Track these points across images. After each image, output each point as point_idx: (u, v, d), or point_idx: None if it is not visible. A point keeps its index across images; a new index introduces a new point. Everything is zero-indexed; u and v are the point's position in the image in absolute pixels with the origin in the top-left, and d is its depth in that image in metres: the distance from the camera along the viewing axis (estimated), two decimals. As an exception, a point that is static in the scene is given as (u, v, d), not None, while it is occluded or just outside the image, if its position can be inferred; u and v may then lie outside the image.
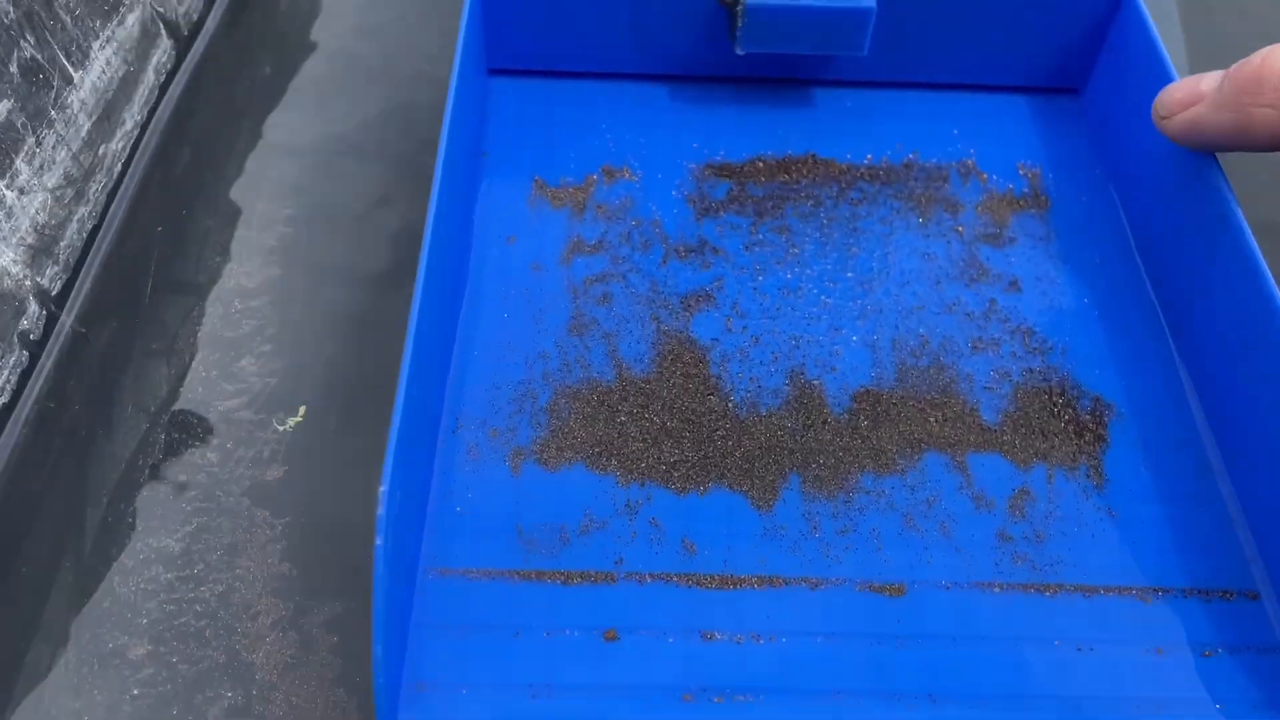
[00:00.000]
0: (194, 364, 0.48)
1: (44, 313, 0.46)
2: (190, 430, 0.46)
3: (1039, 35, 0.51)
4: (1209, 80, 0.39)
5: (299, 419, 0.46)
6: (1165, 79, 0.47)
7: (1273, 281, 0.39)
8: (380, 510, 0.31)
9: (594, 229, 0.47)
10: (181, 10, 0.58)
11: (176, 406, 0.47)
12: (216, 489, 0.44)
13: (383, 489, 0.31)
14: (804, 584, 0.37)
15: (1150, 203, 0.47)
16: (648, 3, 0.50)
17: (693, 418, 0.41)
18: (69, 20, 0.48)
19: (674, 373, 0.42)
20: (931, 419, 0.41)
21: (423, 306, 0.37)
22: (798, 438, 0.41)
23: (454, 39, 0.63)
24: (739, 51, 0.49)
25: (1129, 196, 0.49)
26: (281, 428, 0.45)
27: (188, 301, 0.50)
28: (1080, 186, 0.50)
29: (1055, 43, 0.51)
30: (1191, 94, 0.39)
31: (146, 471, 0.45)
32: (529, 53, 0.52)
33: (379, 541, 0.31)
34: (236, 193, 0.55)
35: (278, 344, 0.49)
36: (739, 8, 0.48)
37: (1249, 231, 0.40)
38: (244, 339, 0.49)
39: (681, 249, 0.47)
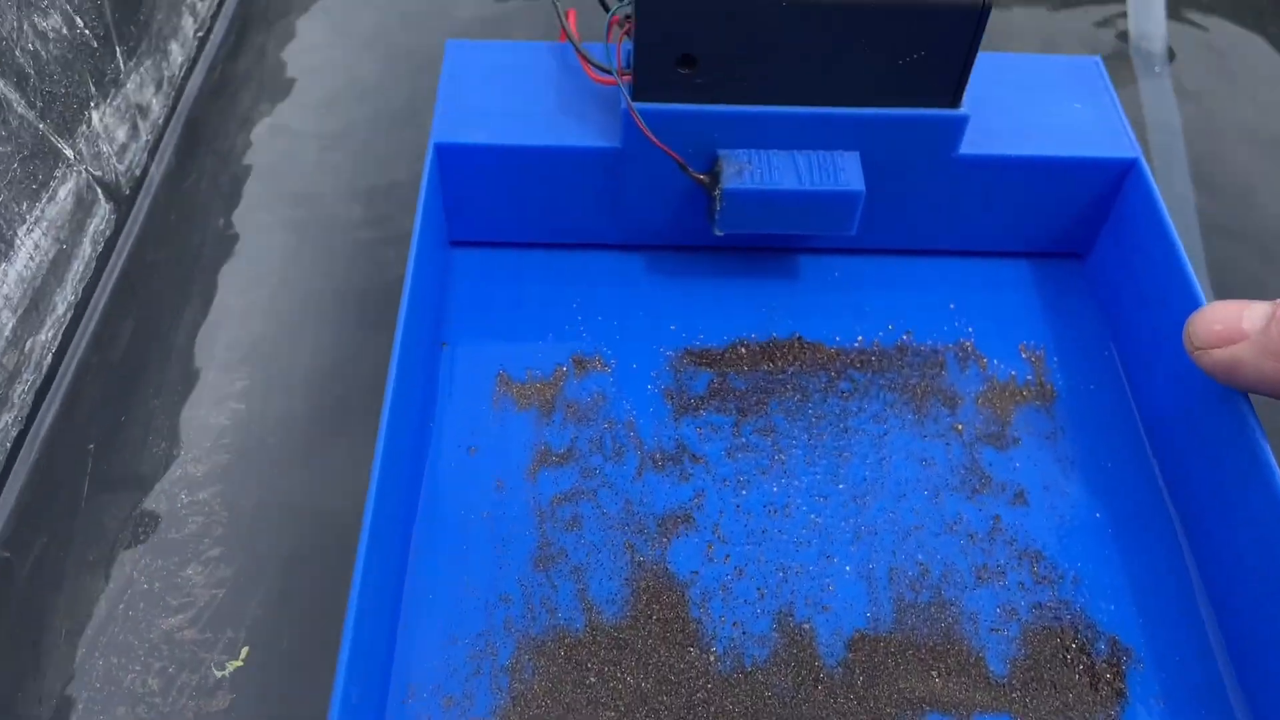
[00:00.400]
0: (134, 574, 0.44)
1: (-44, 547, 0.42)
2: (130, 654, 0.42)
3: (1040, 207, 0.48)
4: (1252, 316, 0.35)
5: (239, 662, 0.42)
6: (1171, 248, 0.43)
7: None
8: None
9: (563, 434, 0.43)
10: (122, 169, 0.54)
11: (115, 628, 0.43)
12: (157, 723, 0.41)
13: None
14: None
15: (1163, 396, 0.43)
16: (619, 178, 0.46)
17: (671, 676, 0.37)
18: (-13, 213, 0.44)
19: (650, 618, 0.39)
20: (934, 673, 0.38)
21: (367, 566, 0.34)
22: (788, 701, 0.37)
23: (418, 196, 0.60)
24: (717, 233, 0.45)
25: (1140, 386, 0.45)
26: (220, 673, 0.41)
27: (128, 499, 0.46)
28: (1088, 372, 0.46)
29: (1057, 213, 0.48)
30: (1232, 330, 0.35)
31: (80, 706, 0.41)
32: (493, 225, 0.49)
33: None
34: (185, 366, 0.51)
35: (227, 546, 0.45)
36: (717, 191, 0.44)
37: (1268, 454, 0.37)
38: (190, 541, 0.45)
39: (658, 457, 0.43)
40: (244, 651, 0.42)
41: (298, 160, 0.60)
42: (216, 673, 0.41)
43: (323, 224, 0.57)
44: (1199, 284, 0.42)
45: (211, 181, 0.59)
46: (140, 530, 0.45)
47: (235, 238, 0.56)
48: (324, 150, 0.61)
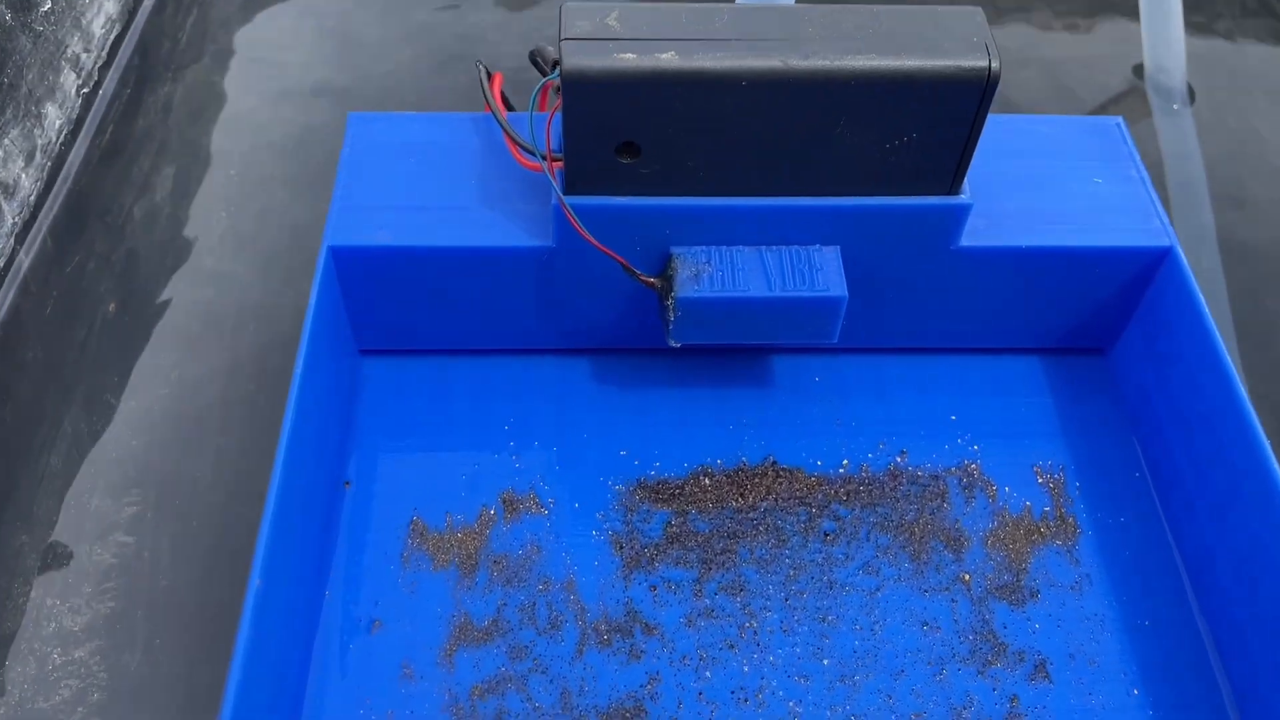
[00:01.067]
0: (-15, 761, 0.37)
1: None
2: None
3: (1056, 303, 0.40)
4: None
5: None
6: (1210, 349, 0.36)
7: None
8: None
9: (488, 601, 0.36)
10: (-22, 263, 0.46)
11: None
12: None
13: None
14: None
15: (1208, 530, 0.36)
16: (553, 279, 0.39)
17: None
18: None
19: None
20: None
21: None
22: None
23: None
24: (673, 344, 0.38)
25: (1180, 523, 0.38)
26: None
27: (-14, 666, 0.39)
28: (1115, 497, 0.39)
29: (1076, 310, 0.41)
30: None
31: None
32: (408, 333, 0.41)
33: None
34: (59, 493, 0.43)
35: (105, 716, 0.37)
36: (670, 300, 0.37)
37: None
38: (61, 711, 0.37)
39: (603, 629, 0.35)
40: None
41: (204, 231, 0.52)
42: None
43: (234, 309, 0.49)
44: (1242, 387, 0.35)
45: (102, 263, 0.51)
46: (4, 699, 0.38)
47: (128, 329, 0.48)
48: (232, 218, 0.53)
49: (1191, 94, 0.61)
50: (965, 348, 0.43)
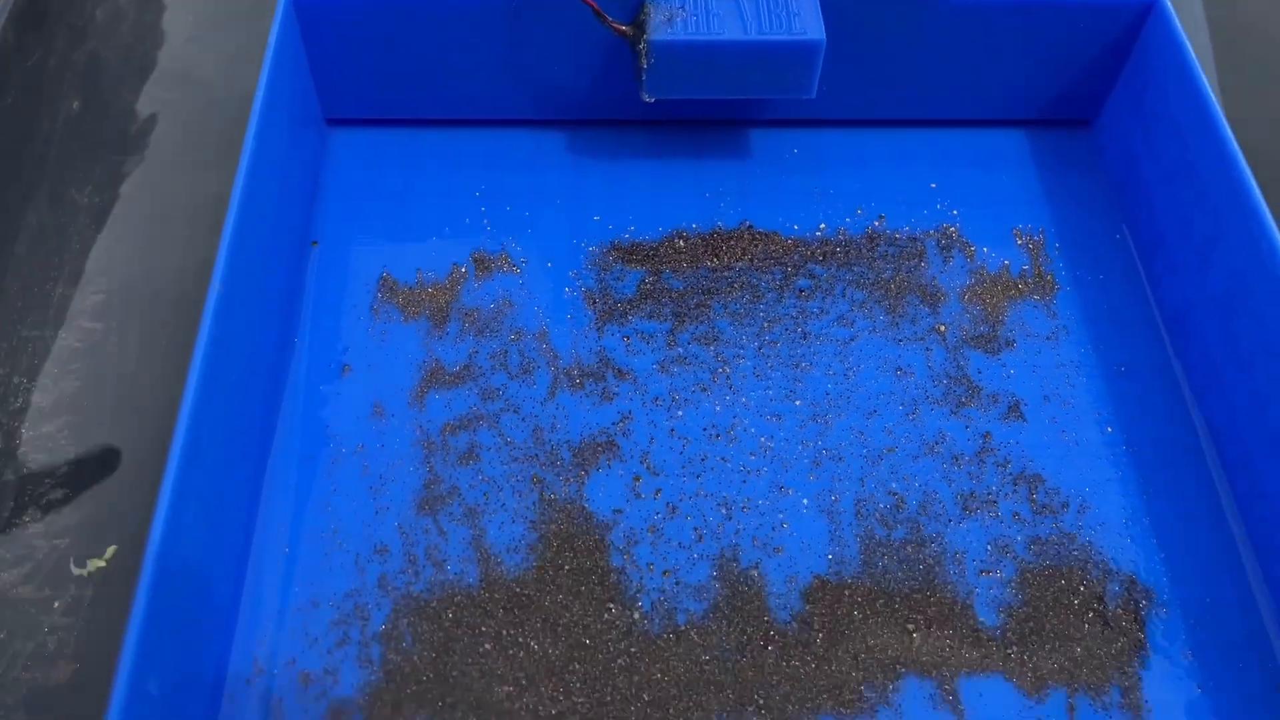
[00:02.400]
0: (-45, 524, 0.37)
1: None
2: (-51, 617, 0.35)
3: (1041, 63, 0.39)
4: None
5: (103, 562, 0.34)
6: (1206, 113, 0.35)
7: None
8: None
9: (459, 348, 0.35)
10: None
11: (-70, 587, 0.35)
12: (-17, 701, 0.33)
13: None
14: None
15: (1190, 285, 0.36)
16: (523, 33, 0.38)
17: (585, 640, 0.30)
18: None
19: (560, 568, 0.31)
20: (910, 626, 0.30)
21: (177, 492, 0.26)
22: (729, 664, 0.30)
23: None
24: (646, 98, 0.37)
25: (1161, 277, 0.37)
26: (80, 571, 0.34)
27: (-49, 436, 0.39)
28: (1096, 258, 0.38)
29: (1062, 70, 0.40)
30: None
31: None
32: (375, 97, 0.40)
33: None
34: (27, 276, 0.42)
35: (73, 488, 0.37)
36: (642, 44, 0.36)
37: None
38: (29, 482, 0.37)
39: (576, 374, 0.35)
40: (110, 550, 0.34)
41: (167, 33, 0.51)
42: (75, 570, 0.34)
43: (197, 106, 0.48)
44: (1230, 133, 0.34)
45: (63, 60, 0.50)
46: (-33, 473, 0.38)
47: (93, 125, 0.47)
48: (198, 20, 0.51)
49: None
50: (947, 119, 0.42)
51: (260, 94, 0.33)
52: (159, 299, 0.42)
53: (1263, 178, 0.34)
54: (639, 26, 0.36)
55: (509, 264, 0.38)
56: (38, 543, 0.36)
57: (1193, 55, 0.37)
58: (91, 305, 0.42)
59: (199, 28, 0.51)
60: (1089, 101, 0.41)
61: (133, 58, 0.50)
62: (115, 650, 0.33)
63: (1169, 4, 0.38)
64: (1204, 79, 0.36)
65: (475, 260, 0.38)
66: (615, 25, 0.36)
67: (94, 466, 0.38)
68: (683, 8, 0.36)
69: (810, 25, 0.35)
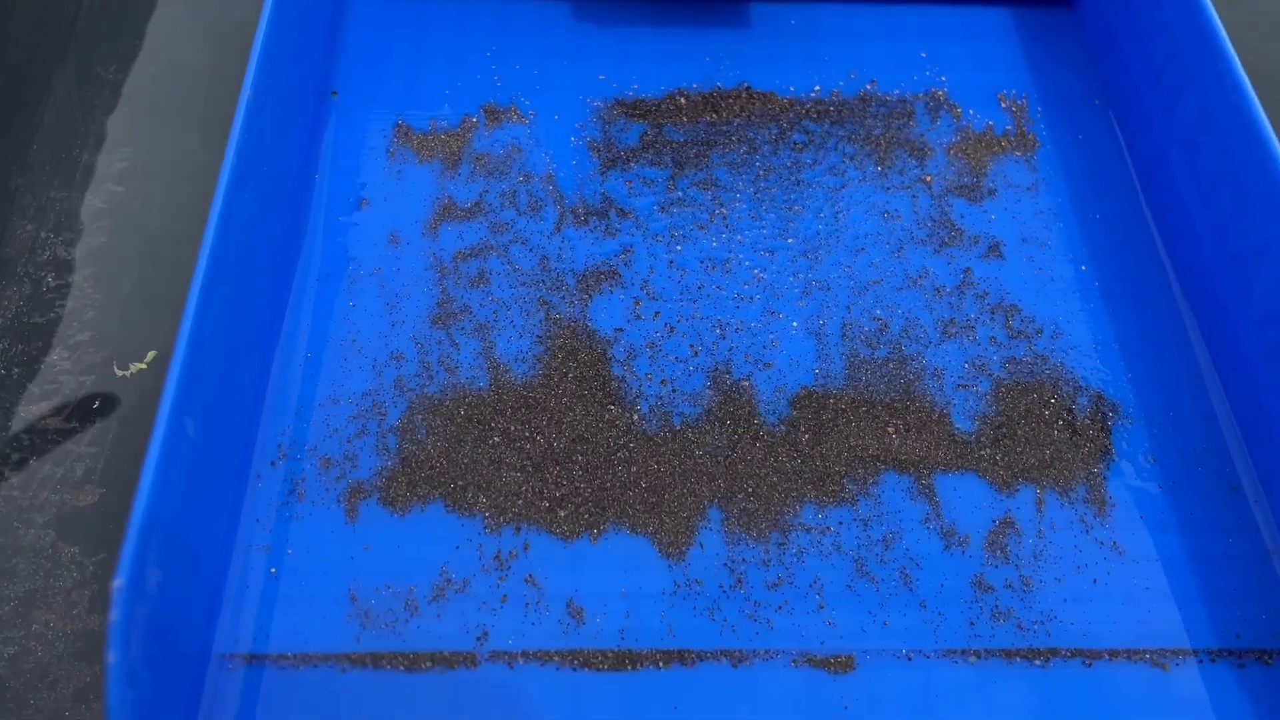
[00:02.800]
0: (-12, 361, 0.39)
1: None
2: (-18, 445, 0.37)
3: (1025, -69, 0.41)
4: None
5: (144, 365, 0.37)
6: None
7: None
8: (113, 615, 0.22)
9: (470, 188, 0.38)
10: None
11: (-35, 416, 0.37)
12: (15, 519, 0.36)
13: (117, 584, 0.22)
14: (724, 660, 0.29)
15: (1161, 141, 0.38)
16: (536, -104, 0.40)
17: (587, 435, 0.32)
18: None
19: (565, 375, 0.33)
20: (890, 429, 0.32)
21: (205, 294, 0.28)
22: (720, 459, 0.32)
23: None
24: (651, -43, 0.39)
25: (1135, 132, 0.39)
26: (123, 373, 0.37)
27: (-16, 280, 0.41)
28: (1075, 121, 0.40)
29: (1045, -59, 0.42)
30: None
31: (-72, 499, 0.36)
32: (394, -38, 0.42)
33: (111, 659, 0.22)
34: (54, 143, 0.44)
35: (99, 331, 0.39)
36: (647, -100, 0.38)
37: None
38: (56, 325, 0.40)
39: (580, 211, 0.37)
40: (151, 355, 0.37)
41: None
42: (119, 371, 0.37)
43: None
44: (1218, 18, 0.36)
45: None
46: (0, 312, 0.40)
47: (116, 10, 0.49)
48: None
49: None
50: (937, -5, 0.44)
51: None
52: (179, 167, 0.44)
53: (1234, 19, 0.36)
54: (644, -113, 0.38)
55: (518, 115, 0.40)
56: (64, 379, 0.38)
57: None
58: (116, 171, 0.44)
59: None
60: (1073, -21, 0.43)
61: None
62: (138, 477, 0.36)
63: (1150, -126, 0.39)
64: None
65: (486, 111, 0.40)
66: (622, -115, 0.38)
67: (118, 310, 0.40)
68: None
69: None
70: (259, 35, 0.33)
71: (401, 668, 0.28)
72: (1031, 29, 0.43)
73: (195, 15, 0.49)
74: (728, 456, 0.32)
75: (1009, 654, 0.29)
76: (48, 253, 0.42)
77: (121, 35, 0.48)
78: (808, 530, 0.31)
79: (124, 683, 0.22)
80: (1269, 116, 0.33)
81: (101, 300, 0.40)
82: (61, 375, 0.38)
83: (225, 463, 0.29)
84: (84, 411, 0.38)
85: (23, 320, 0.40)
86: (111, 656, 0.22)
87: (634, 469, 0.31)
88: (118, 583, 0.22)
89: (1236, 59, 0.34)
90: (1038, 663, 0.29)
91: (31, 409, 0.38)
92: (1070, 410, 0.33)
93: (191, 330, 0.27)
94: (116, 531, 0.36)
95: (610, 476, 0.31)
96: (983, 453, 0.32)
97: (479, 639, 0.29)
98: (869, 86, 0.41)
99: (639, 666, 0.28)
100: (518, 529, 0.30)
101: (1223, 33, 0.35)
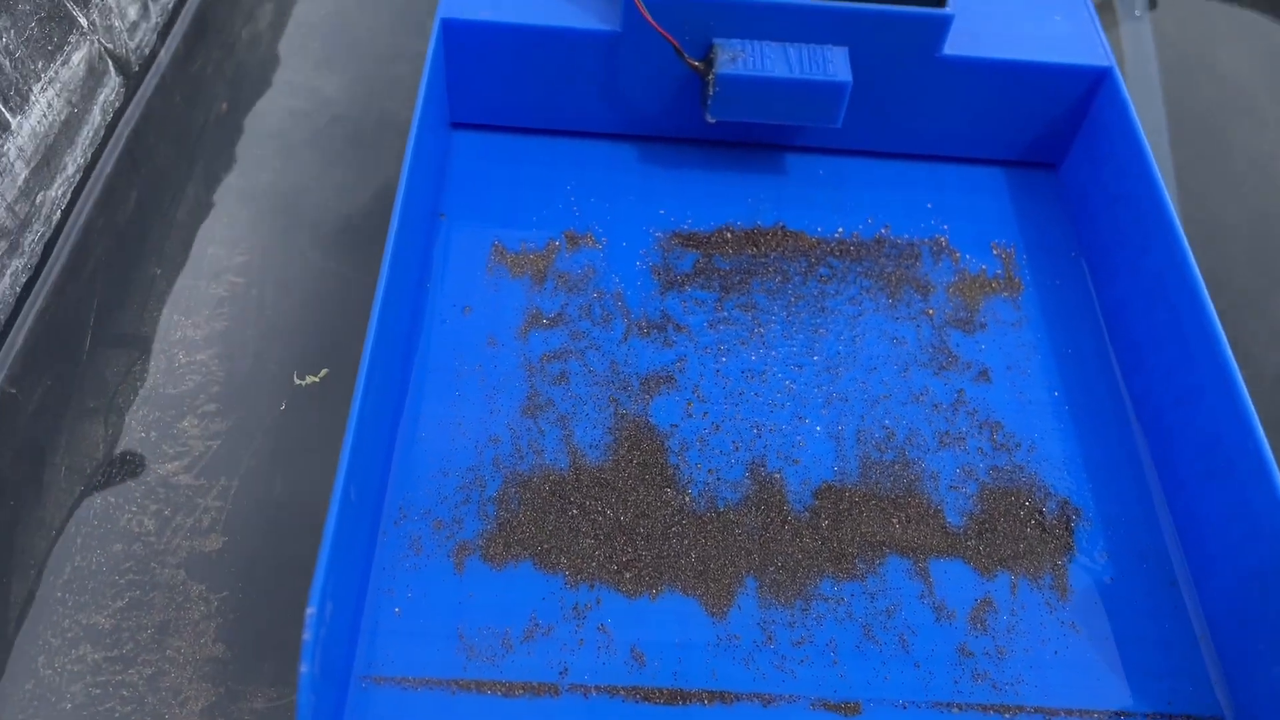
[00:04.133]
0: (132, 423, 0.46)
1: (-32, 375, 0.44)
2: (127, 495, 0.44)
3: (1017, 113, 0.50)
4: None
5: (316, 379, 0.45)
6: (1142, 158, 0.46)
7: (1245, 392, 0.38)
8: (307, 635, 0.29)
9: (553, 300, 0.45)
10: (133, 45, 0.55)
11: (113, 470, 0.45)
12: (151, 560, 0.42)
13: (310, 611, 0.30)
14: (756, 700, 0.36)
15: (1125, 292, 0.46)
16: (617, 64, 0.48)
17: (648, 512, 0.39)
18: (7, 63, 0.45)
19: (630, 461, 0.41)
20: (894, 520, 0.40)
21: (367, 387, 0.36)
22: (756, 538, 0.39)
23: (419, 82, 0.62)
24: (710, 119, 0.47)
25: (1103, 283, 0.48)
26: (301, 383, 0.46)
27: (128, 355, 0.48)
28: (1055, 269, 0.49)
29: (1033, 120, 0.50)
30: None
31: (79, 540, 0.43)
32: (494, 107, 0.50)
33: (304, 669, 0.29)
34: (185, 238, 0.53)
35: (222, 403, 0.47)
36: (710, 76, 0.46)
37: (1224, 339, 0.39)
38: (187, 396, 0.47)
39: (644, 325, 0.45)
40: (323, 372, 0.46)
41: (301, 56, 0.62)
42: (297, 381, 0.46)
43: (323, 115, 0.58)
44: (1166, 190, 0.45)
45: (217, 69, 0.60)
46: (139, 384, 0.47)
47: (237, 124, 0.58)
48: (324, 46, 0.62)
49: (1153, 2, 0.70)
50: (941, 155, 0.52)
51: (421, 100, 0.44)
52: (289, 263, 0.52)
53: (1195, 213, 0.44)
54: (708, 63, 0.47)
55: (593, 241, 0.48)
56: (193, 443, 0.46)
57: (1135, 115, 0.47)
58: (237, 264, 0.52)
59: (323, 53, 0.62)
60: (1055, 148, 0.52)
61: (269, 72, 0.61)
62: (256, 527, 0.43)
63: (1119, 74, 0.48)
64: (1142, 133, 0.46)
65: (567, 237, 0.48)
66: (691, 61, 0.47)
67: (238, 385, 0.47)
68: (743, 50, 0.46)
69: (840, 70, 0.46)
70: (404, 172, 0.41)
71: (499, 693, 0.35)
72: (1020, 187, 0.52)
73: (304, 130, 0.58)
74: (761, 536, 0.39)
75: (985, 708, 0.36)
76: (179, 333, 0.49)
77: (242, 147, 0.57)
78: (825, 600, 0.38)
79: (311, 689, 0.29)
80: (1207, 283, 0.41)
81: (223, 376, 0.48)
82: (191, 440, 0.46)
83: (366, 521, 0.37)
84: (210, 471, 0.45)
85: (159, 391, 0.47)
86: (304, 668, 0.29)
87: (685, 542, 0.39)
88: (311, 610, 0.29)
89: (1184, 236, 0.42)
90: (1007, 716, 0.36)
91: (166, 467, 0.45)
92: (1041, 512, 0.41)
93: (359, 413, 0.34)
94: (237, 573, 0.43)
95: (666, 547, 0.39)
96: (969, 543, 0.40)
97: (561, 673, 0.36)
98: (883, 230, 0.49)
99: (688, 703, 0.35)
100: (592, 586, 0.38)
101: (1173, 212, 0.43)
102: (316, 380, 0.45)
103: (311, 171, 0.56)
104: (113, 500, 0.44)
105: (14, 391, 0.45)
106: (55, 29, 0.49)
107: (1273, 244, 0.56)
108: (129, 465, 0.45)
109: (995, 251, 0.49)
